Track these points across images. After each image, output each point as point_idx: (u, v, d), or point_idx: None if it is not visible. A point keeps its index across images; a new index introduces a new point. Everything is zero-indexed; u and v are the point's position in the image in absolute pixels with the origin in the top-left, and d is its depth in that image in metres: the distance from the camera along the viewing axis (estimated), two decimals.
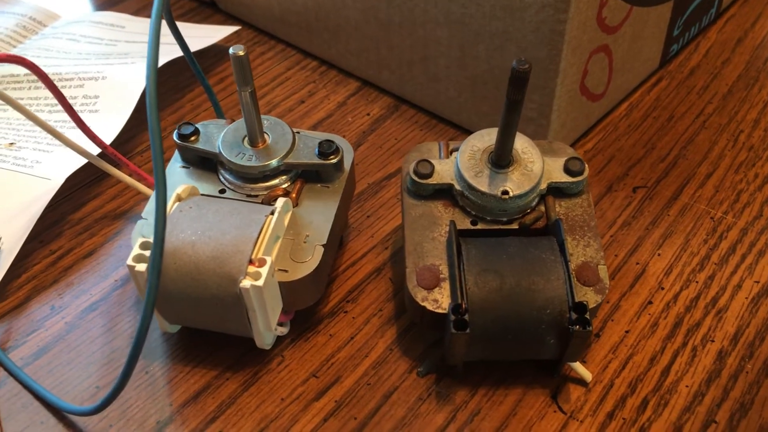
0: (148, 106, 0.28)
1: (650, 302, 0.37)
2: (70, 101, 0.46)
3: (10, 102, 0.34)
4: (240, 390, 0.34)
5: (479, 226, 0.34)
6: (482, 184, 0.34)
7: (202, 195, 0.35)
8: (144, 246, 0.32)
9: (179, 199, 0.34)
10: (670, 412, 0.33)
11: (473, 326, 0.30)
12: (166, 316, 0.33)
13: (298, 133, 0.36)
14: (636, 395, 0.33)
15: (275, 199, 0.35)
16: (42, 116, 0.46)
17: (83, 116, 0.45)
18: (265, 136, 0.36)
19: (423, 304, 0.32)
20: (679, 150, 0.45)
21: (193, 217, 0.33)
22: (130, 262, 0.31)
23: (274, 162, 0.35)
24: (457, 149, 0.36)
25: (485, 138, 0.35)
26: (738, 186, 0.43)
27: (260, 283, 0.30)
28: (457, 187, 0.34)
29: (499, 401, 0.33)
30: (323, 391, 0.34)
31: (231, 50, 0.32)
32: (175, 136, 0.36)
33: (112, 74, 0.47)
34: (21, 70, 0.49)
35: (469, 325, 0.30)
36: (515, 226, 0.34)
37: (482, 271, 0.32)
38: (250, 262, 0.31)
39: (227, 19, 0.57)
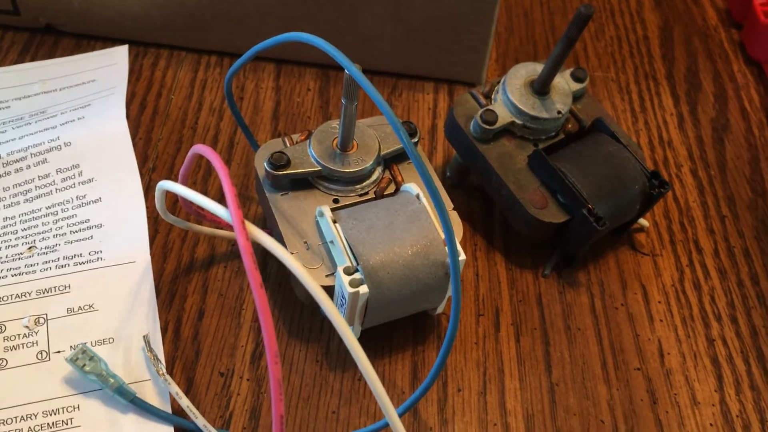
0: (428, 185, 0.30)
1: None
2: (40, 181, 0.42)
3: None
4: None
5: (541, 146, 0.42)
6: (541, 113, 0.41)
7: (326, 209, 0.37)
8: (347, 271, 0.34)
9: (334, 220, 0.36)
10: (700, 223, 0.45)
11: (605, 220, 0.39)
12: (368, 323, 0.36)
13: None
14: (674, 222, 0.45)
15: (384, 189, 0.39)
16: (20, 208, 0.41)
17: (76, 191, 0.42)
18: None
19: (549, 220, 0.40)
20: (554, 38, 0.56)
21: (365, 228, 0.35)
22: (351, 290, 0.34)
23: (375, 158, 0.38)
24: (490, 92, 0.43)
25: (518, 74, 0.42)
26: (608, 49, 0.56)
27: (464, 256, 0.35)
28: (518, 121, 0.41)
29: (607, 268, 0.42)
30: (496, 322, 0.40)
31: (347, 72, 0.34)
32: (268, 167, 0.37)
33: (71, 137, 0.43)
34: None
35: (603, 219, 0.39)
36: (562, 136, 0.42)
37: (586, 176, 0.40)
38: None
39: (78, 40, 0.53)
